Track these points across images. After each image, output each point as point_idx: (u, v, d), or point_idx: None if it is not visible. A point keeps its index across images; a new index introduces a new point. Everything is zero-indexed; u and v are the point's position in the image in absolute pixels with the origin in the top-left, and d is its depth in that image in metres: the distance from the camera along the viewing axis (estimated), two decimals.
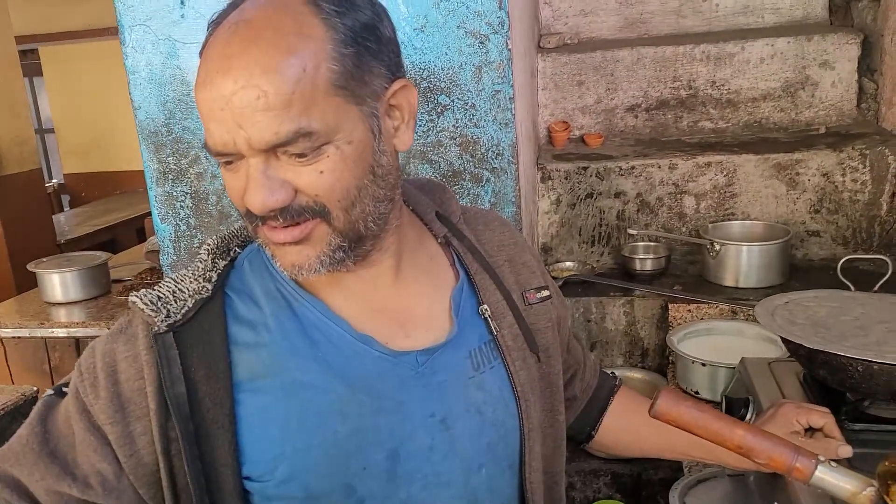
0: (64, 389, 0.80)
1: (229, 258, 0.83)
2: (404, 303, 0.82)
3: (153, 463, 0.75)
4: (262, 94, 0.65)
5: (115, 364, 0.76)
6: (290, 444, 0.75)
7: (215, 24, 0.70)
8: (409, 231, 0.84)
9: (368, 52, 0.70)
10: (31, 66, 7.08)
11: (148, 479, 0.75)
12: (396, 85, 0.74)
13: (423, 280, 0.84)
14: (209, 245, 0.83)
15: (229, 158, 0.69)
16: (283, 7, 0.68)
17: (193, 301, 0.76)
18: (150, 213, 4.88)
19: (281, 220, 0.70)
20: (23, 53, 5.35)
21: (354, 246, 0.74)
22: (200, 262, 0.81)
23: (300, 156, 0.67)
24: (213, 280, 0.79)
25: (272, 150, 0.67)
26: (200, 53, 0.71)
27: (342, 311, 0.79)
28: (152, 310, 0.75)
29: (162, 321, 0.75)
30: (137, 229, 5.64)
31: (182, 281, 0.79)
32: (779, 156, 2.00)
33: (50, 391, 0.82)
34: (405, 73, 0.77)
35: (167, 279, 0.80)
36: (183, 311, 0.76)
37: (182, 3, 1.54)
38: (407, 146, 0.76)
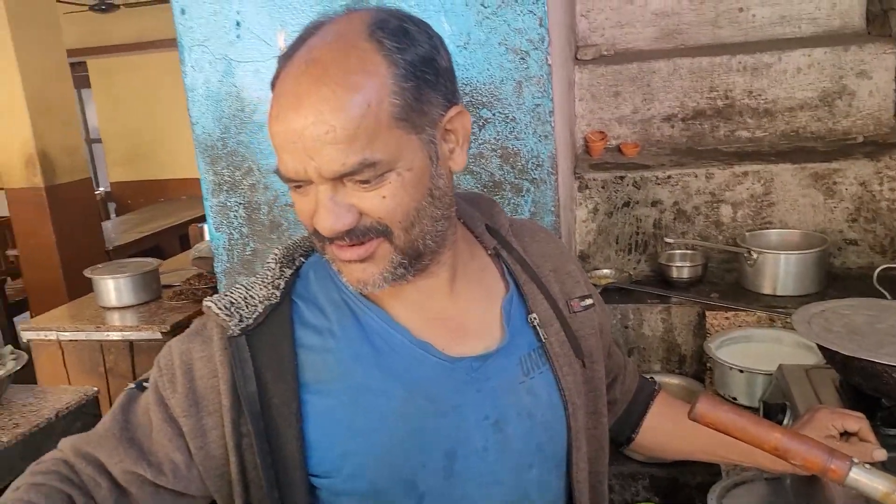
0: (144, 384, 0.87)
1: (294, 267, 0.89)
2: (459, 312, 0.88)
3: (221, 456, 0.81)
4: (331, 129, 0.71)
5: (191, 362, 0.82)
6: (354, 443, 0.81)
7: (286, 59, 0.77)
8: (462, 244, 0.90)
9: (427, 83, 0.76)
10: (79, 78, 7.32)
11: (215, 471, 0.82)
12: (452, 111, 0.79)
13: (476, 291, 0.90)
14: (276, 254, 0.90)
15: (300, 184, 0.76)
16: (348, 46, 0.74)
17: (264, 307, 0.83)
18: (192, 221, 5.01)
19: (347, 241, 0.76)
20: (72, 66, 5.54)
21: (414, 262, 0.80)
22: (269, 270, 0.87)
23: (364, 182, 0.74)
24: (282, 287, 0.85)
25: (339, 179, 0.73)
26: (272, 86, 0.78)
27: (402, 320, 0.85)
28: (226, 314, 0.82)
29: (236, 325, 0.81)
30: (180, 236, 5.79)
31: (252, 288, 0.85)
32: (816, 165, 2.01)
33: (132, 385, 0.89)
34: (460, 98, 0.83)
35: (238, 286, 0.87)
36: (254, 315, 0.82)
37: (238, 24, 1.62)
38: (461, 167, 0.82)
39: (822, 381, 1.28)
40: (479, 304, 0.90)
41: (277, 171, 0.77)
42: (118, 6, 6.12)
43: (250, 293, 0.85)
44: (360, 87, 0.72)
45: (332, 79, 0.72)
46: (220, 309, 0.82)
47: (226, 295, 0.85)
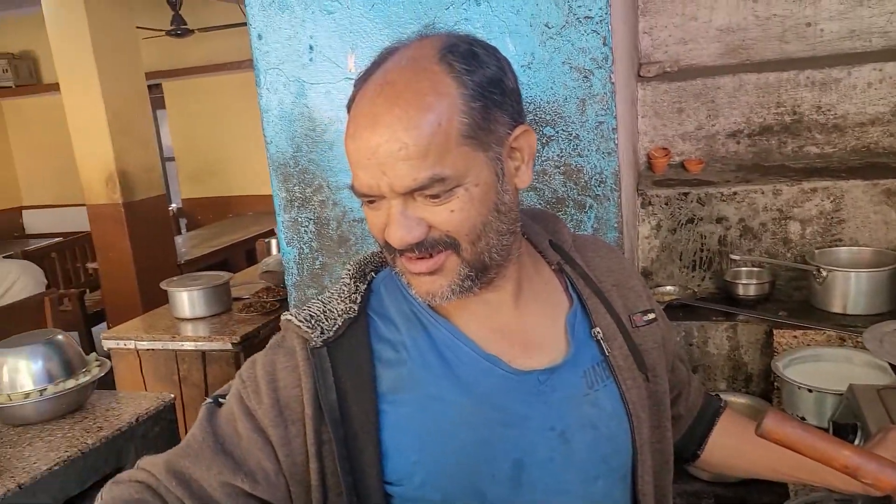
0: (220, 399, 0.91)
1: (366, 282, 0.93)
2: (524, 326, 0.90)
3: (303, 463, 0.85)
4: (404, 147, 0.75)
5: (275, 373, 0.86)
6: (425, 452, 0.84)
7: (362, 81, 0.82)
8: (526, 259, 0.93)
9: (494, 103, 0.80)
10: (155, 99, 7.65)
11: (298, 477, 0.85)
12: (518, 130, 0.83)
13: (541, 305, 0.93)
14: (349, 270, 0.94)
15: (372, 199, 0.80)
16: (420, 70, 0.78)
17: (343, 320, 0.87)
18: (259, 236, 5.16)
19: (417, 253, 0.80)
20: (149, 88, 5.81)
21: (480, 275, 0.83)
22: (344, 285, 0.92)
23: (434, 197, 0.78)
24: (358, 302, 0.89)
25: (410, 193, 0.78)
26: (348, 108, 0.83)
27: (470, 333, 0.88)
28: (308, 326, 0.86)
29: (318, 337, 0.85)
30: (247, 251, 5.97)
31: (329, 302, 0.90)
32: (889, 181, 1.96)
33: (209, 399, 0.93)
34: (525, 117, 0.86)
35: (315, 300, 0.91)
36: (335, 328, 0.86)
37: (311, 48, 1.69)
38: (526, 184, 0.86)
39: (895, 401, 1.25)
40: (543, 318, 0.92)
41: (352, 187, 0.81)
42: (192, 31, 6.39)
43: (328, 307, 0.89)
44: (431, 107, 0.76)
45: (405, 100, 0.76)
46: (301, 321, 0.86)
47: (304, 309, 0.89)
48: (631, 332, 0.96)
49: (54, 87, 5.30)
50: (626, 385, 0.92)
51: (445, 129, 0.76)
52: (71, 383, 1.98)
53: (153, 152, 5.41)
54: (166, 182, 8.55)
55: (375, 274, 0.95)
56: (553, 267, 0.96)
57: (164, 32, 6.42)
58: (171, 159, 8.33)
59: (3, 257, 4.61)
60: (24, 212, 8.65)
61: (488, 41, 1.61)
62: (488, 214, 0.81)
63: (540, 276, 0.95)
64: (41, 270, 4.20)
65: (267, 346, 0.92)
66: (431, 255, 0.81)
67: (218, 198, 7.86)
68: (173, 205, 8.22)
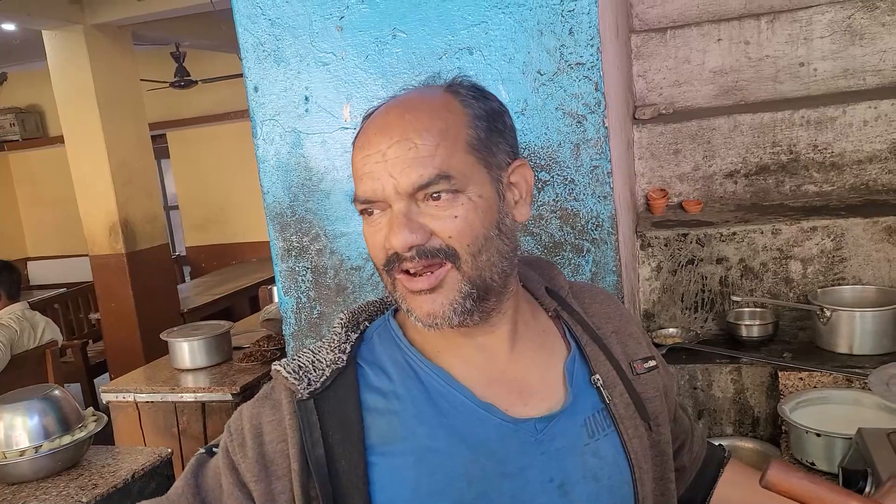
0: (214, 449, 0.89)
1: (359, 331, 0.92)
2: (521, 372, 0.88)
3: None
4: (413, 147, 0.78)
5: (260, 427, 0.84)
6: None
7: (371, 112, 0.86)
8: (523, 304, 0.91)
9: (496, 130, 0.84)
10: (159, 149, 7.75)
11: None
12: (517, 163, 0.85)
13: (538, 351, 0.91)
14: (341, 319, 0.92)
15: (373, 207, 0.81)
16: (429, 93, 0.84)
17: (330, 371, 0.85)
18: (261, 283, 5.17)
19: (417, 260, 0.79)
20: (153, 138, 5.89)
21: (482, 296, 0.82)
22: (335, 334, 0.90)
23: (437, 199, 0.78)
24: (347, 351, 0.87)
25: (413, 196, 0.78)
26: (354, 142, 0.84)
27: (465, 380, 0.86)
28: (295, 378, 0.84)
29: (304, 389, 0.83)
30: (250, 297, 5.97)
31: (319, 352, 0.88)
32: (889, 219, 1.95)
33: (202, 450, 0.92)
34: (522, 155, 0.90)
35: (305, 350, 0.89)
36: (321, 379, 0.84)
37: (306, 99, 1.71)
38: (525, 218, 0.86)
39: None
40: (540, 365, 0.90)
41: (354, 196, 0.82)
42: (195, 82, 6.50)
43: (317, 357, 0.87)
44: (441, 117, 0.81)
45: (416, 109, 0.81)
46: (288, 373, 0.84)
47: (294, 359, 0.87)
48: (632, 379, 0.94)
49: (60, 140, 5.38)
50: (627, 434, 0.89)
51: (454, 136, 0.80)
52: (67, 439, 1.95)
53: (156, 202, 5.46)
54: (170, 230, 8.62)
55: (369, 323, 0.94)
56: (550, 313, 0.95)
57: (167, 84, 6.53)
58: (176, 207, 8.40)
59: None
60: (28, 263, 8.69)
61: None
62: (490, 229, 0.81)
63: (537, 321, 0.93)
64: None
65: (256, 395, 0.90)
66: (430, 267, 0.80)
67: (222, 245, 7.91)
68: (177, 252, 8.25)
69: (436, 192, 0.78)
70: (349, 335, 0.90)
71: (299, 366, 0.86)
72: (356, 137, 0.84)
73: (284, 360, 0.88)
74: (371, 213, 0.81)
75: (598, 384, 0.90)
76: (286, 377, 0.84)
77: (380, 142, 0.79)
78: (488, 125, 0.83)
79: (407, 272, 0.80)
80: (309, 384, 0.84)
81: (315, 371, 0.85)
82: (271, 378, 0.89)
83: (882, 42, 2.33)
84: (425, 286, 0.80)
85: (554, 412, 0.87)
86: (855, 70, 2.36)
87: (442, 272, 0.80)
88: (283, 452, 0.83)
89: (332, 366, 0.86)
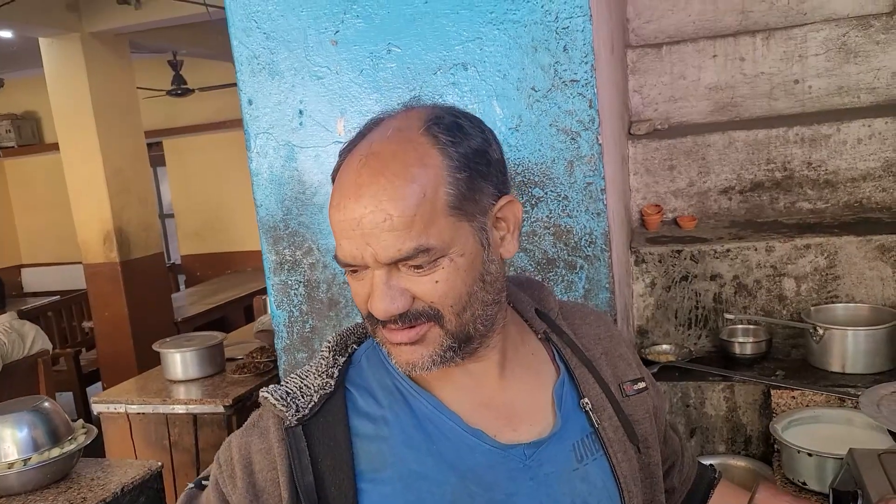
0: (203, 482, 0.89)
1: (347, 354, 0.91)
2: (510, 397, 0.88)
3: None
4: (389, 217, 0.75)
5: (249, 456, 0.84)
6: None
7: (346, 152, 0.82)
8: (511, 328, 0.91)
9: (479, 174, 0.80)
10: (155, 157, 7.74)
11: None
12: (503, 201, 0.83)
13: (527, 375, 0.90)
14: (329, 343, 0.91)
15: (356, 269, 0.79)
16: (405, 140, 0.78)
17: (318, 396, 0.84)
18: (257, 293, 5.15)
19: (399, 324, 0.78)
20: (149, 146, 5.89)
21: (463, 346, 0.81)
22: (322, 358, 0.89)
23: (418, 268, 0.77)
24: (335, 376, 0.87)
25: (394, 264, 0.77)
26: (333, 177, 0.82)
27: (453, 406, 0.85)
28: (283, 405, 0.83)
29: (292, 415, 0.82)
30: (245, 307, 5.95)
31: (307, 377, 0.87)
32: (882, 237, 1.95)
33: (191, 484, 0.91)
34: (510, 188, 0.86)
35: (293, 375, 0.88)
36: (310, 405, 0.83)
37: (300, 112, 1.71)
38: (512, 254, 0.85)
39: None
40: (529, 389, 0.90)
41: (335, 257, 0.80)
42: (192, 90, 6.50)
43: (305, 382, 0.86)
44: (416, 178, 0.76)
45: (390, 170, 0.76)
46: (276, 400, 0.83)
47: (282, 385, 0.87)
48: (621, 401, 0.93)
49: (55, 147, 5.37)
50: (616, 458, 0.89)
51: (431, 200, 0.76)
52: (56, 452, 1.94)
53: (152, 210, 5.45)
54: (165, 239, 8.60)
55: (358, 346, 0.93)
56: (540, 336, 0.94)
57: (164, 92, 6.53)
58: (171, 215, 8.39)
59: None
60: (22, 270, 8.66)
61: (476, 104, 1.63)
62: (473, 285, 0.80)
63: (526, 345, 0.93)
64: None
65: (245, 424, 0.89)
66: (413, 326, 0.79)
67: (217, 253, 7.89)
68: (172, 261, 8.23)
69: (415, 264, 0.76)
70: (337, 359, 0.89)
71: (287, 392, 0.85)
72: (333, 189, 0.80)
73: (273, 386, 0.87)
74: (355, 271, 0.80)
75: (587, 408, 0.90)
76: (274, 404, 0.83)
77: (354, 208, 0.76)
78: (470, 174, 0.78)
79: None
80: (297, 410, 0.83)
81: (303, 397, 0.84)
82: (259, 405, 0.88)
83: (876, 60, 2.34)
84: (406, 340, 0.80)
85: (543, 437, 0.86)
86: (849, 88, 2.37)
87: (423, 329, 0.79)
88: (273, 481, 0.82)
89: (321, 391, 0.85)
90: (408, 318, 0.78)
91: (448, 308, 0.79)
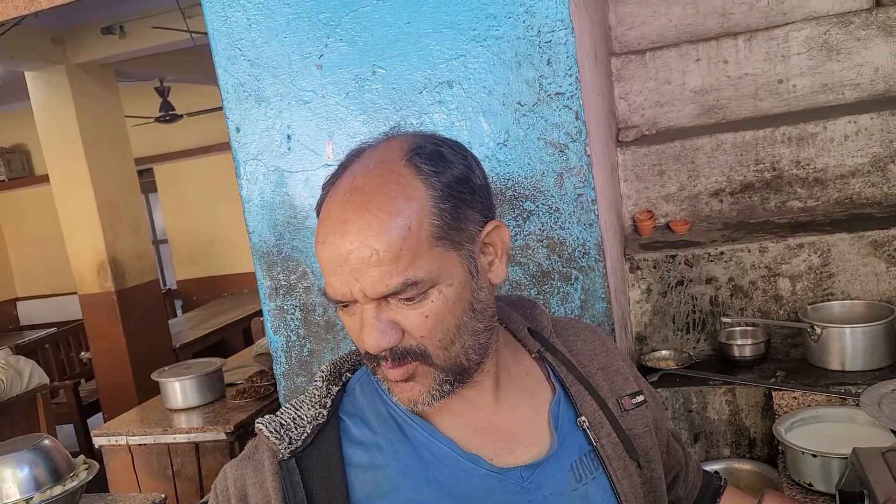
0: None
1: (341, 383, 0.91)
2: (505, 420, 0.88)
3: None
4: (375, 252, 0.75)
5: (244, 489, 0.84)
6: None
7: (330, 185, 0.82)
8: (504, 350, 0.90)
9: (463, 202, 0.79)
10: (146, 183, 7.74)
11: None
12: (489, 226, 0.82)
13: (522, 397, 0.90)
14: (323, 372, 0.91)
15: (346, 304, 0.79)
16: (388, 173, 0.78)
17: (311, 427, 0.84)
18: (254, 315, 5.13)
19: (390, 361, 0.78)
20: (139, 173, 5.88)
21: (459, 378, 0.81)
22: (316, 388, 0.89)
23: (409, 300, 0.76)
24: (328, 406, 0.86)
25: (384, 298, 0.76)
26: (317, 211, 0.82)
27: (449, 432, 0.85)
28: (276, 437, 0.83)
29: (285, 448, 0.82)
30: (243, 329, 5.93)
31: (300, 408, 0.87)
32: (874, 232, 1.96)
33: None
34: (496, 213, 0.86)
35: (287, 406, 0.88)
36: (303, 437, 0.83)
37: (288, 137, 1.71)
38: (501, 279, 0.84)
39: None
40: (525, 411, 0.89)
41: (325, 293, 0.80)
42: (181, 116, 6.50)
43: (299, 413, 0.86)
44: (400, 212, 0.76)
45: (374, 205, 0.76)
46: (270, 432, 0.83)
47: (277, 416, 0.86)
48: (619, 417, 0.93)
49: (46, 179, 5.36)
50: (616, 476, 0.88)
51: (416, 233, 0.76)
52: (58, 490, 1.92)
53: (145, 238, 5.44)
54: (160, 264, 8.58)
55: (352, 374, 0.93)
56: (533, 355, 0.94)
57: (153, 119, 6.53)
58: (165, 241, 8.37)
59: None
60: (18, 303, 8.63)
61: (463, 121, 1.63)
62: (463, 315, 0.80)
63: (520, 366, 0.92)
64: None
65: (241, 454, 0.89)
66: (402, 364, 0.79)
67: (212, 277, 7.87)
68: (167, 286, 8.21)
69: (405, 297, 0.76)
70: (330, 388, 0.89)
71: (281, 424, 0.85)
72: (318, 225, 0.80)
73: (268, 416, 0.87)
74: (345, 306, 0.80)
75: (585, 426, 0.89)
76: (268, 437, 0.83)
77: (340, 245, 0.76)
78: (454, 203, 0.78)
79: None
80: (290, 443, 0.83)
81: (296, 428, 0.84)
82: (255, 434, 0.88)
83: (858, 56, 2.35)
84: (399, 377, 0.80)
85: (540, 458, 0.86)
86: (833, 85, 2.38)
87: (412, 367, 0.79)
88: None
89: (314, 422, 0.85)
90: (396, 356, 0.78)
91: (436, 343, 0.79)
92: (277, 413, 0.87)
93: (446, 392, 0.81)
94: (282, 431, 0.84)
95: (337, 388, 0.89)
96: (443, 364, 0.80)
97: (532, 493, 0.84)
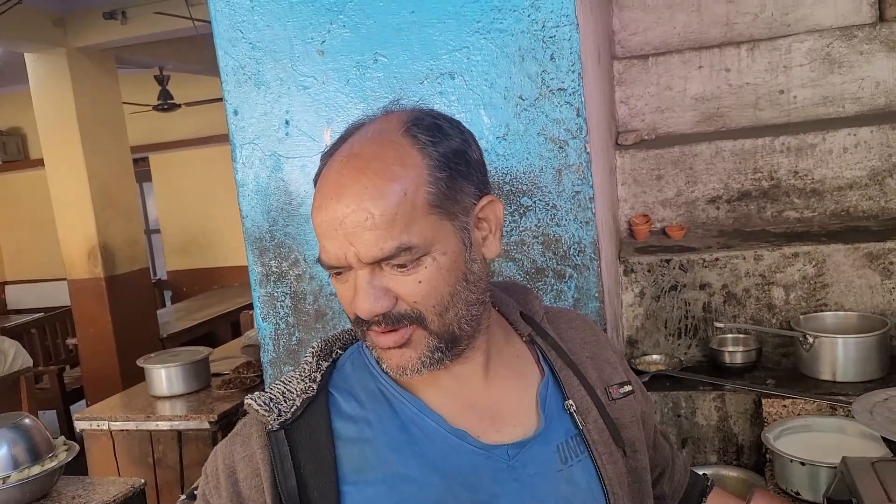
0: (195, 493, 0.88)
1: (332, 359, 0.91)
2: (494, 399, 0.88)
3: None
4: (370, 216, 0.75)
5: (233, 465, 0.83)
6: None
7: (328, 156, 0.82)
8: (496, 330, 0.90)
9: (459, 174, 0.80)
10: (141, 172, 7.70)
11: None
12: (484, 201, 0.83)
13: (511, 377, 0.90)
14: (314, 348, 0.91)
15: (340, 270, 0.79)
16: (386, 141, 0.79)
17: (301, 400, 0.84)
18: (244, 308, 5.10)
19: (384, 325, 0.78)
20: (135, 161, 5.85)
21: (451, 346, 0.81)
22: (306, 363, 0.89)
23: (401, 267, 0.76)
24: (318, 380, 0.86)
25: (377, 263, 0.76)
26: (315, 181, 0.82)
27: (437, 407, 0.85)
28: (265, 410, 0.83)
29: (275, 420, 0.82)
30: (232, 323, 5.90)
31: (290, 382, 0.87)
32: (870, 245, 1.96)
33: (183, 496, 0.91)
34: (491, 189, 0.86)
35: (276, 381, 0.88)
36: (292, 409, 0.83)
37: (286, 123, 1.69)
38: (494, 254, 0.84)
39: (890, 474, 1.20)
40: (514, 391, 0.89)
41: (319, 259, 0.81)
42: (179, 105, 6.47)
43: (288, 387, 0.86)
44: (397, 177, 0.76)
45: (371, 170, 0.76)
46: (259, 405, 0.83)
47: (266, 392, 0.86)
48: (607, 405, 0.93)
49: (41, 163, 5.33)
50: (601, 460, 0.88)
51: (412, 199, 0.76)
52: (36, 469, 1.90)
53: (137, 225, 5.41)
54: (151, 254, 8.54)
55: (343, 351, 0.93)
56: (524, 339, 0.94)
57: (150, 107, 6.51)
58: (157, 231, 8.33)
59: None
60: (6, 287, 8.57)
61: (464, 114, 1.62)
62: (456, 284, 0.80)
63: (511, 347, 0.92)
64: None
65: (230, 433, 0.89)
66: (396, 329, 0.79)
67: (203, 269, 7.84)
68: (158, 276, 8.17)
69: (398, 263, 0.76)
70: (320, 364, 0.89)
71: (270, 398, 0.85)
72: (315, 193, 0.81)
73: (257, 392, 0.87)
74: (339, 273, 0.80)
75: (572, 410, 0.89)
76: (257, 410, 0.83)
77: (336, 208, 0.76)
78: (450, 173, 0.79)
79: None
80: (279, 415, 0.83)
81: (286, 401, 0.84)
82: (246, 412, 0.87)
83: (860, 70, 2.36)
84: (392, 344, 0.80)
85: (526, 438, 0.86)
86: (834, 97, 2.38)
87: (408, 331, 0.79)
88: (257, 488, 0.81)
89: (303, 395, 0.85)
90: (391, 320, 0.78)
91: (430, 309, 0.79)
92: (266, 389, 0.87)
93: (437, 360, 0.81)
94: (271, 405, 0.83)
95: (327, 364, 0.89)
96: (437, 330, 0.80)
97: (518, 472, 0.84)
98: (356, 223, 0.75)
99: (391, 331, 0.79)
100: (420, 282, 0.77)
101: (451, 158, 0.80)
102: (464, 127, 0.85)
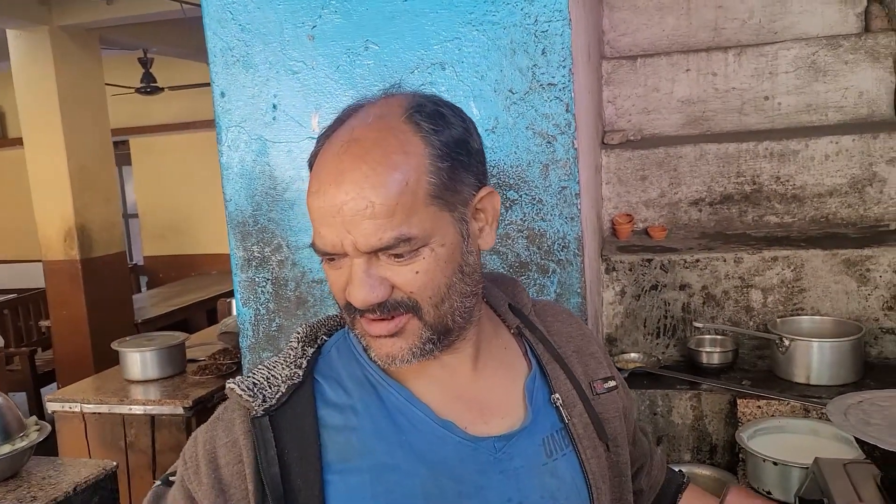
0: (171, 479, 0.86)
1: (317, 345, 0.89)
2: (481, 390, 0.87)
3: None
4: (370, 205, 0.73)
5: (214, 451, 0.81)
6: None
7: (325, 137, 0.80)
8: (486, 322, 0.90)
9: (461, 164, 0.79)
10: (121, 155, 7.60)
11: None
12: (483, 192, 0.82)
13: (499, 369, 0.89)
14: (299, 334, 0.89)
15: (334, 257, 0.77)
16: (387, 127, 0.77)
17: (286, 386, 0.82)
18: (221, 296, 5.05)
19: (378, 314, 0.77)
20: (115, 144, 5.77)
21: (442, 338, 0.80)
22: (291, 349, 0.87)
23: (398, 257, 0.75)
24: (304, 366, 0.85)
25: (374, 253, 0.75)
26: (310, 163, 0.80)
27: (424, 397, 0.84)
28: (249, 395, 0.81)
29: (259, 405, 0.80)
30: (208, 310, 5.85)
31: (274, 367, 0.85)
32: (848, 251, 1.99)
33: (158, 481, 0.88)
34: (489, 180, 0.85)
35: (260, 366, 0.86)
36: (277, 395, 0.81)
37: (274, 107, 1.68)
38: (490, 245, 0.84)
39: (861, 476, 1.22)
40: (501, 383, 0.89)
41: (313, 245, 0.78)
42: (162, 89, 6.40)
43: (272, 373, 0.84)
44: (398, 166, 0.75)
45: (372, 157, 0.75)
46: (243, 390, 0.81)
47: (248, 376, 0.84)
48: (591, 399, 0.93)
49: (20, 142, 5.24)
50: (585, 455, 0.88)
51: (413, 189, 0.75)
52: (6, 449, 1.87)
53: (115, 208, 5.34)
54: (128, 238, 8.44)
55: (328, 337, 0.91)
56: (512, 331, 0.94)
57: (133, 90, 6.42)
58: (135, 215, 8.24)
59: None
60: None
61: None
62: (452, 276, 0.79)
63: (499, 339, 0.92)
64: None
65: (211, 417, 0.87)
66: (392, 318, 0.78)
67: (181, 255, 7.76)
68: (134, 261, 8.07)
69: (396, 253, 0.75)
70: (306, 350, 0.87)
71: (254, 383, 0.83)
72: (311, 176, 0.79)
73: (239, 377, 0.85)
74: (332, 259, 0.78)
75: (558, 403, 0.89)
76: (240, 395, 0.81)
77: (335, 195, 0.74)
78: (451, 163, 0.77)
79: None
80: (264, 401, 0.81)
81: (270, 387, 0.82)
82: (226, 397, 0.86)
83: (844, 79, 2.39)
84: (385, 332, 0.79)
85: (513, 431, 0.86)
86: (818, 105, 2.41)
87: (402, 320, 0.78)
88: (239, 474, 0.80)
89: (289, 381, 0.83)
90: (386, 309, 0.77)
91: (426, 299, 0.78)
92: (249, 373, 0.85)
93: (427, 351, 0.80)
94: (255, 390, 0.81)
95: (312, 350, 0.88)
96: (432, 321, 0.79)
97: (504, 464, 0.84)
98: (355, 211, 0.73)
99: (384, 319, 0.78)
100: (417, 272, 0.76)
101: (452, 148, 0.78)
102: (465, 115, 0.84)
